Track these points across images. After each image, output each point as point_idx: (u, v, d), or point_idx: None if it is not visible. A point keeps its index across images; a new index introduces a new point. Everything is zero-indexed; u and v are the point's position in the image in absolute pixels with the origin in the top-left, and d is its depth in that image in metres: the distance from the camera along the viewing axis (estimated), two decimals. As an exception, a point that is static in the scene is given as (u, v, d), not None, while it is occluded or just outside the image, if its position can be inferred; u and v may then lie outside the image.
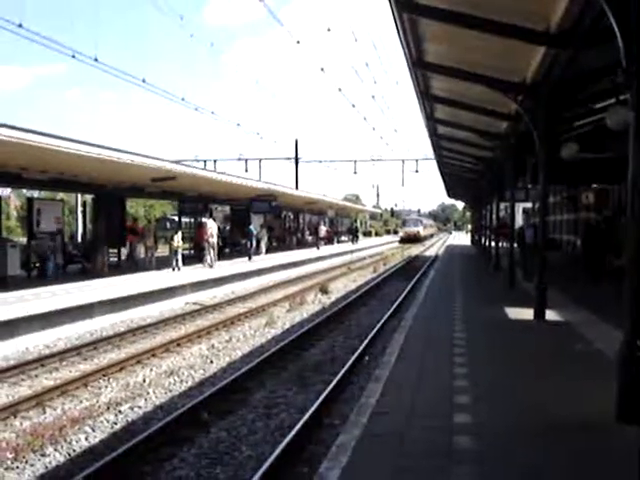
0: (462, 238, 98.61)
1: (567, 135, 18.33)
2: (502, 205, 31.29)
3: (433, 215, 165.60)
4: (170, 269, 24.44)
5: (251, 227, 33.59)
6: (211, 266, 26.84)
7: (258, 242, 37.02)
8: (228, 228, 40.40)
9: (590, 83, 13.47)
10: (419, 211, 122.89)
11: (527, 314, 13.93)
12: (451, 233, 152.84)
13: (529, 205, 44.23)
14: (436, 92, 17.18)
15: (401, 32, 11.83)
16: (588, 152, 18.68)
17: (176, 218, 38.31)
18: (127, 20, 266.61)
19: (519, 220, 48.24)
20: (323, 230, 50.58)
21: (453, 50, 13.53)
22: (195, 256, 28.85)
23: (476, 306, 16.46)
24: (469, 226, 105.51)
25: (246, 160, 60.29)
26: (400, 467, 5.61)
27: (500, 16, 10.44)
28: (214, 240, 27.33)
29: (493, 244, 29.71)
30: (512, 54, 12.24)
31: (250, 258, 31.74)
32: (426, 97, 17.53)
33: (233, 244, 38.30)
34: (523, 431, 6.53)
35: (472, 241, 66.00)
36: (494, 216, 30.25)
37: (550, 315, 13.80)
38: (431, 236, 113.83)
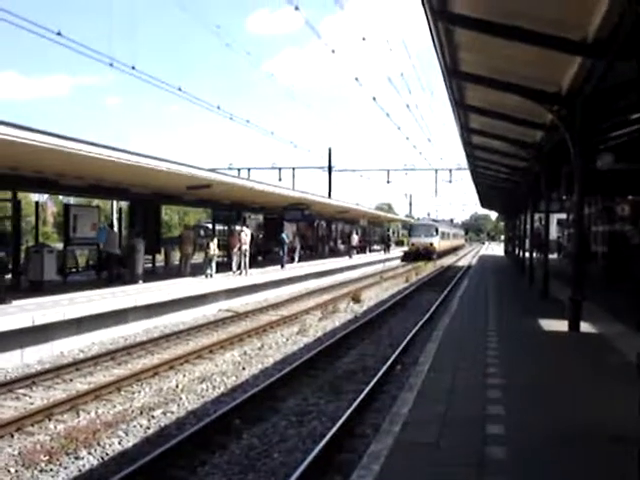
0: (495, 249, 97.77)
1: (603, 145, 18.15)
2: (536, 216, 31.05)
3: (466, 225, 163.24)
4: (203, 276, 24.56)
5: (283, 235, 33.62)
6: (244, 273, 26.90)
7: (292, 250, 37.12)
8: (261, 236, 40.55)
9: (627, 93, 13.34)
10: (452, 220, 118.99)
11: (561, 326, 13.81)
12: (484, 243, 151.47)
13: (564, 216, 43.93)
14: (471, 102, 17.11)
15: (436, 41, 11.82)
16: (624, 163, 18.47)
17: (210, 225, 38.50)
18: (165, 29, 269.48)
19: (553, 231, 47.87)
20: (355, 239, 50.43)
21: (488, 59, 13.47)
22: (228, 263, 28.96)
23: (509, 317, 16.33)
24: (502, 236, 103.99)
25: (280, 169, 60.47)
26: (433, 477, 5.59)
27: (536, 26, 10.38)
28: (247, 248, 27.42)
29: (527, 255, 29.50)
30: (548, 64, 12.17)
31: (283, 266, 31.79)
32: (461, 107, 17.48)
33: (266, 252, 38.41)
34: (556, 443, 6.46)
35: (506, 252, 65.49)
36: (528, 227, 30.03)
37: (584, 327, 13.66)
38: (455, 250, 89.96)
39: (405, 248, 68.11)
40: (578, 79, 12.04)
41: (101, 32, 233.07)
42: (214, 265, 25.32)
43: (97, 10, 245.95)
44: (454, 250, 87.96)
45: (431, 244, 61.62)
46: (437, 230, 64.13)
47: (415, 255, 60.29)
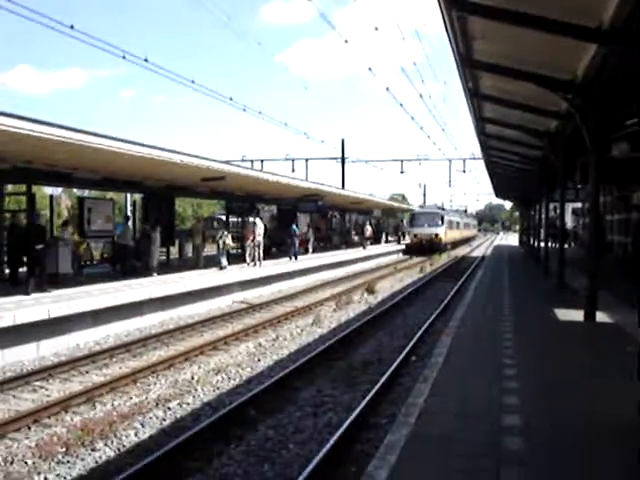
0: (510, 239, 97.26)
1: (618, 134, 18.00)
2: (551, 205, 30.87)
3: (480, 215, 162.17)
4: (217, 268, 24.59)
5: (293, 226, 33.34)
6: (258, 265, 26.92)
7: (306, 241, 37.13)
8: (275, 227, 40.60)
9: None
10: (465, 211, 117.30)
11: (577, 315, 13.74)
12: (498, 233, 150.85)
13: (579, 205, 43.62)
14: (485, 90, 17.00)
15: (450, 30, 11.73)
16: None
17: (223, 217, 38.54)
18: (178, 20, 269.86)
19: (568, 221, 47.56)
20: (369, 230, 50.30)
21: (502, 48, 13.37)
22: (242, 255, 29.01)
23: (524, 307, 16.27)
24: (517, 226, 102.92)
25: (293, 160, 60.27)
26: (449, 468, 5.58)
27: (550, 13, 10.29)
28: (260, 239, 27.44)
29: (543, 244, 29.40)
30: (563, 51, 12.07)
31: (296, 257, 31.73)
32: (475, 95, 17.36)
33: (280, 244, 38.44)
34: (569, 437, 6.43)
35: (520, 242, 65.03)
36: (543, 216, 29.89)
37: (600, 317, 13.59)
38: (466, 241, 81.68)
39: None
40: (593, 66, 11.92)
41: (113, 25, 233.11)
42: (225, 257, 25.34)
43: (109, 3, 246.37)
44: (465, 242, 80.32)
45: (436, 235, 53.60)
46: (443, 219, 55.57)
47: (418, 249, 52.56)
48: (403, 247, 55.95)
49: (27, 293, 15.70)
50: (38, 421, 9.33)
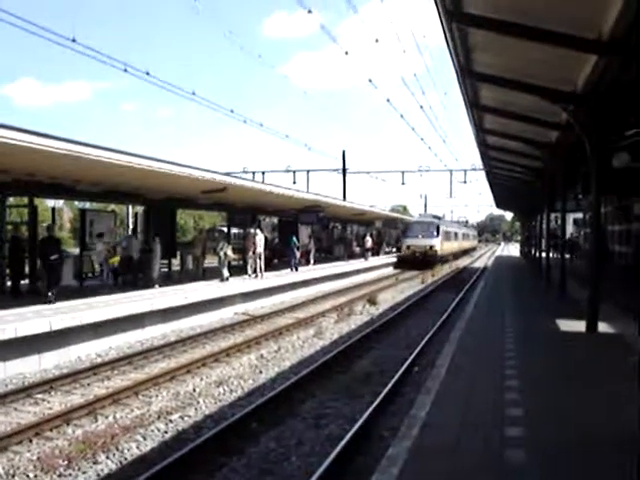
0: (511, 249, 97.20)
1: (619, 144, 18.02)
2: (552, 215, 30.88)
3: (481, 226, 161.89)
4: (218, 280, 24.57)
5: (293, 238, 33.16)
6: (260, 276, 26.92)
7: (307, 253, 37.09)
8: (277, 240, 40.57)
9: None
10: (467, 222, 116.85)
11: (579, 326, 13.72)
12: (500, 244, 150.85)
13: (580, 216, 43.62)
14: (485, 102, 17.06)
15: (450, 42, 11.80)
16: (640, 162, 18.33)
17: (225, 229, 38.53)
18: (180, 33, 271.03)
19: (569, 231, 47.51)
20: (369, 241, 50.00)
21: (502, 59, 13.42)
22: (243, 266, 29.01)
23: (526, 318, 16.24)
24: (519, 237, 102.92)
25: (294, 172, 60.19)
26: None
27: (550, 25, 10.34)
28: (261, 251, 27.44)
29: (544, 255, 29.37)
30: (563, 63, 12.11)
31: (296, 269, 31.70)
32: (475, 107, 17.43)
33: (281, 255, 38.41)
34: (570, 449, 6.41)
35: (522, 252, 64.93)
36: (544, 227, 29.88)
37: (602, 327, 13.57)
38: (465, 253, 78.29)
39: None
40: (593, 77, 11.97)
41: (116, 38, 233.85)
42: (226, 268, 25.32)
43: (112, 16, 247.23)
44: (464, 253, 76.98)
45: (431, 247, 49.64)
46: (438, 229, 51.44)
47: (412, 261, 48.67)
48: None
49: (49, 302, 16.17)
50: (40, 434, 9.30)
